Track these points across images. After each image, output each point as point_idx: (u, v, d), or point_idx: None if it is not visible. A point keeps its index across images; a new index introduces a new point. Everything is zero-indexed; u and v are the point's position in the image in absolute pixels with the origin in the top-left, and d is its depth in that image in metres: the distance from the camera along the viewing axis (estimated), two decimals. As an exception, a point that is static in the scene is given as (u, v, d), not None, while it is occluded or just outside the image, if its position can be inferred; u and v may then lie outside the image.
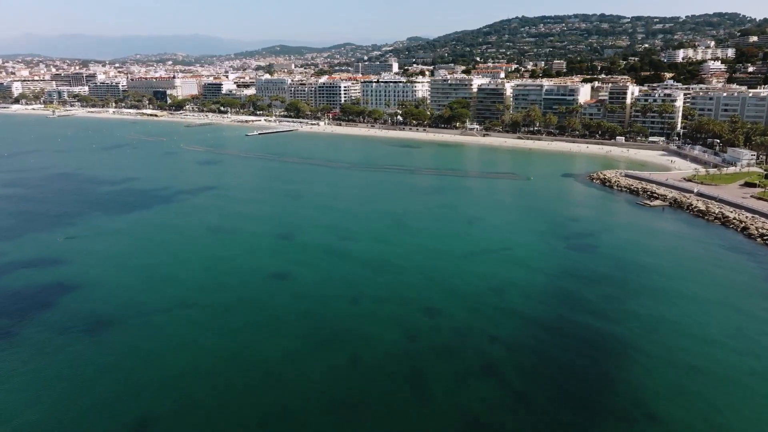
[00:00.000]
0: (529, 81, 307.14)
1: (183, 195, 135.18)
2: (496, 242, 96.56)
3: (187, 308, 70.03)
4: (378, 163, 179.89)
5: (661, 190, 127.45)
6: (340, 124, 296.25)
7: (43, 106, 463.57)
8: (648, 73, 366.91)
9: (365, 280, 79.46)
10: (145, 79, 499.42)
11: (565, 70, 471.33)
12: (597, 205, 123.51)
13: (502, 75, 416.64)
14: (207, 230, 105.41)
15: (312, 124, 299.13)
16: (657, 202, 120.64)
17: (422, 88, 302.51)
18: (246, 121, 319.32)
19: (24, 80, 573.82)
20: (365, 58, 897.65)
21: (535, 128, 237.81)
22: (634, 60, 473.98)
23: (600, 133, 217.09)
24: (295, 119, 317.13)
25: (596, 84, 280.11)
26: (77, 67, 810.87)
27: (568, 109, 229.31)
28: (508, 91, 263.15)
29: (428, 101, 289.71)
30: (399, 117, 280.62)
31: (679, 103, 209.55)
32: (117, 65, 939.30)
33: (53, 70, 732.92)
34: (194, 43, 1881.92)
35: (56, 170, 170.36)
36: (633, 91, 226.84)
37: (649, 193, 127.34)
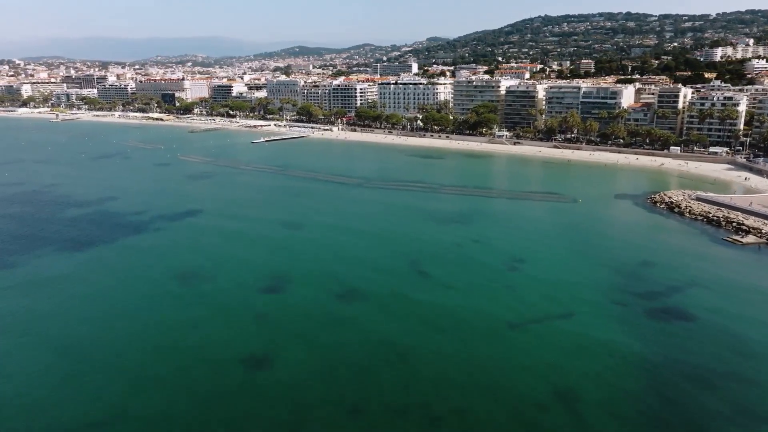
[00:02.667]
0: (564, 82, 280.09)
1: (157, 223, 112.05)
2: (551, 304, 71.32)
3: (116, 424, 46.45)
4: (395, 177, 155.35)
5: (750, 221, 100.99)
6: (355, 130, 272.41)
7: (49, 109, 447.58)
8: (685, 73, 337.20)
9: (368, 380, 55.01)
10: (154, 81, 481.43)
11: (593, 70, 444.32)
12: (671, 243, 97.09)
13: (527, 75, 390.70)
14: (171, 279, 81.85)
15: (324, 129, 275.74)
16: (750, 239, 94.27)
17: (444, 90, 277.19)
18: (254, 126, 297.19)
19: (34, 83, 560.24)
20: (384, 58, 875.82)
21: (573, 136, 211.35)
22: (668, 59, 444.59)
23: (648, 142, 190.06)
24: (306, 124, 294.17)
25: (637, 85, 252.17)
26: (96, 69, 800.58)
27: (610, 114, 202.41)
28: (540, 94, 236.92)
29: (451, 105, 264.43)
30: (419, 122, 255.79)
31: (742, 107, 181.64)
32: (136, 67, 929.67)
33: (72, 72, 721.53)
34: (215, 44, 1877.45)
35: (24, 187, 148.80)
36: (686, 93, 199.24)
37: (735, 224, 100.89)
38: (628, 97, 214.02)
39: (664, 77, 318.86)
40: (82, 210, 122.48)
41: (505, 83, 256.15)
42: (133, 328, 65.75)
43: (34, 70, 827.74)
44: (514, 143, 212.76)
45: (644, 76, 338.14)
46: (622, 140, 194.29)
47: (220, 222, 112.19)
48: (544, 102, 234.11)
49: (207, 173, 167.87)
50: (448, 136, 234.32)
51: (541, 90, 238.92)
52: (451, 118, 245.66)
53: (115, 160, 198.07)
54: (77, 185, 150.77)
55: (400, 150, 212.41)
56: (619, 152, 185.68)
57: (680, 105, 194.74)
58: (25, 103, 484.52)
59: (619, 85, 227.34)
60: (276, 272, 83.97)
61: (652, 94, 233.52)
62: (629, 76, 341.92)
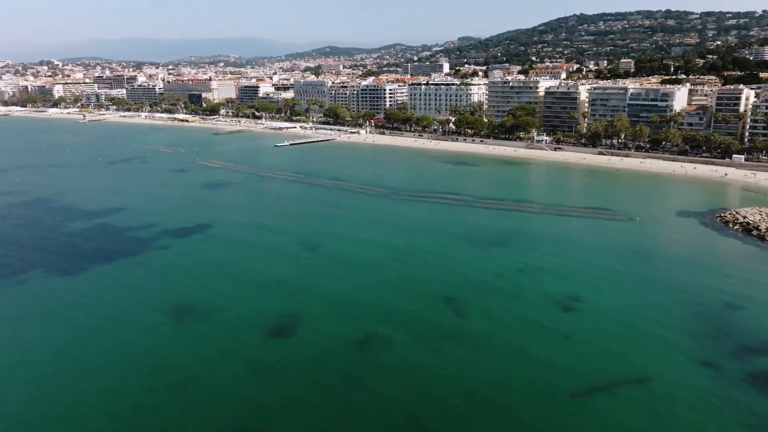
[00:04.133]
0: (609, 83, 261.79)
1: (162, 239, 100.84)
2: (621, 364, 57.01)
3: None
4: (426, 188, 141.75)
5: None
6: (384, 133, 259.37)
7: (78, 109, 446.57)
8: (734, 72, 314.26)
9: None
10: (181, 81, 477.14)
11: (633, 70, 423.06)
12: (759, 277, 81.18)
13: (563, 75, 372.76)
14: (163, 312, 70.14)
15: (351, 132, 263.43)
16: None
17: (478, 91, 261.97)
18: (279, 129, 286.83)
19: (65, 83, 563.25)
20: (415, 58, 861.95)
21: (620, 141, 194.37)
22: (713, 58, 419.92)
23: (706, 149, 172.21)
24: (333, 126, 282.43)
25: (688, 86, 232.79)
26: (131, 69, 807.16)
27: (663, 118, 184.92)
28: (583, 95, 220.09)
29: (485, 106, 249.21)
30: (451, 125, 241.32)
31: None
32: (170, 67, 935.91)
33: (107, 72, 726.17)
34: (247, 45, 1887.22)
35: (29, 196, 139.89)
36: (748, 95, 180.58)
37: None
38: (680, 99, 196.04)
39: (713, 77, 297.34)
40: (83, 224, 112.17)
41: (544, 84, 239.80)
42: (100, 388, 53.91)
43: (71, 70, 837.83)
44: (555, 149, 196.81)
45: (690, 76, 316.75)
46: (675, 147, 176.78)
47: (229, 240, 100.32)
48: (586, 104, 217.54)
49: (224, 181, 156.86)
50: (482, 141, 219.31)
51: (583, 91, 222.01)
52: (486, 121, 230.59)
53: (132, 164, 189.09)
54: (85, 194, 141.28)
55: (432, 155, 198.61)
56: (673, 160, 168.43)
57: (742, 108, 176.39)
58: (55, 104, 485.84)
59: (670, 86, 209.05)
60: (286, 308, 71.43)
61: (706, 95, 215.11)
62: (674, 76, 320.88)
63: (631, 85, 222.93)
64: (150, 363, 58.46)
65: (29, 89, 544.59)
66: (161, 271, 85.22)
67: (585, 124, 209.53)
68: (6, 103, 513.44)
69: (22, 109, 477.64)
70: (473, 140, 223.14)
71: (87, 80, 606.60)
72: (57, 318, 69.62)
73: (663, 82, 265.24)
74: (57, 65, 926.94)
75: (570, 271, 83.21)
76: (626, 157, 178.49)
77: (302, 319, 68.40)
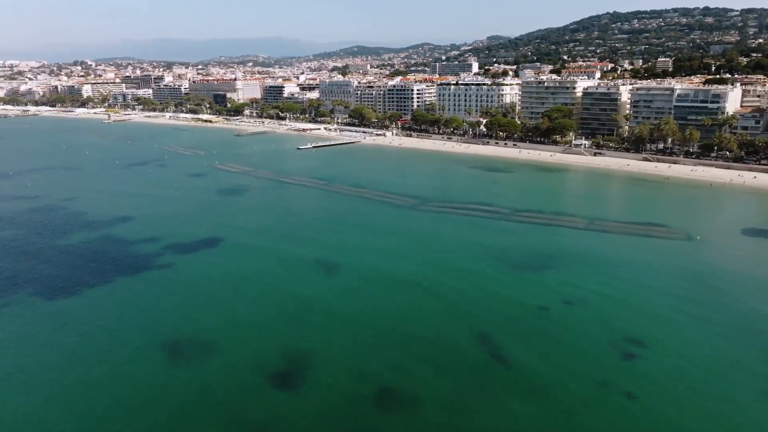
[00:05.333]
0: (653, 83, 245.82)
1: (166, 255, 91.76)
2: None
3: None
4: (455, 197, 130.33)
5: None
6: (411, 135, 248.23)
7: (104, 109, 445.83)
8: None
9: None
10: (206, 81, 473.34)
11: (671, 69, 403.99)
12: None
13: (598, 75, 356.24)
14: (148, 346, 60.73)
15: (377, 134, 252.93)
16: None
17: (511, 91, 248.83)
18: (303, 130, 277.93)
19: (94, 83, 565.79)
20: (443, 58, 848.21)
21: (666, 146, 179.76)
22: (758, 56, 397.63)
23: (765, 155, 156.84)
24: (358, 128, 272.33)
25: (739, 86, 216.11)
26: (161, 69, 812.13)
27: (715, 121, 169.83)
28: (624, 96, 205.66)
29: (518, 108, 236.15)
30: (482, 128, 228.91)
31: None
32: (199, 67, 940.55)
33: (138, 72, 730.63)
34: (276, 45, 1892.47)
35: (37, 201, 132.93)
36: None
37: None
38: (733, 100, 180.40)
39: (761, 76, 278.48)
40: (85, 235, 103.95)
41: (582, 84, 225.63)
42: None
43: (103, 70, 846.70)
44: (595, 154, 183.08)
45: (735, 76, 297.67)
46: (729, 153, 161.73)
47: (238, 257, 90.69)
48: (628, 106, 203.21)
49: (241, 187, 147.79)
50: (515, 144, 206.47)
51: (624, 92, 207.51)
52: (519, 123, 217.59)
53: (148, 168, 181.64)
54: (94, 200, 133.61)
55: (461, 160, 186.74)
56: (728, 168, 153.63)
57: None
58: (83, 104, 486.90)
59: (722, 86, 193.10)
60: (293, 346, 61.23)
61: (759, 96, 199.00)
62: (717, 76, 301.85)
63: (678, 85, 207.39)
64: (108, 411, 48.74)
65: (59, 89, 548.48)
66: (158, 294, 75.85)
67: (627, 128, 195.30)
68: (36, 103, 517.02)
69: (51, 108, 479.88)
70: (505, 144, 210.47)
71: (117, 80, 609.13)
72: (25, 348, 60.60)
73: (707, 81, 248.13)
74: (90, 65, 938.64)
75: (627, 304, 71.07)
76: (674, 163, 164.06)
77: (312, 361, 58.09)
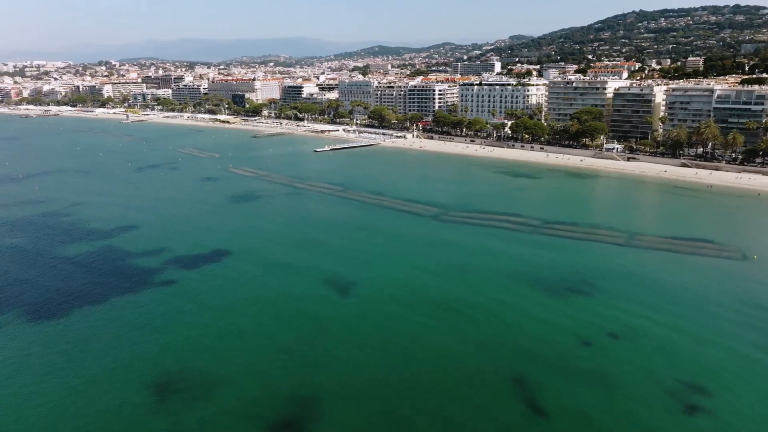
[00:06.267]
0: (690, 84, 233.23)
1: (167, 271, 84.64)
2: None
3: None
4: (480, 206, 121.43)
5: None
6: (432, 137, 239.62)
7: (124, 110, 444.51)
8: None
9: None
10: (225, 81, 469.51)
11: (702, 68, 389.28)
12: None
13: (625, 75, 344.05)
14: (134, 387, 53.13)
15: (397, 136, 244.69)
16: None
17: (537, 92, 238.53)
18: (321, 132, 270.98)
19: (114, 83, 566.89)
20: (464, 57, 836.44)
21: (705, 151, 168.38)
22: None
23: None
24: (377, 130, 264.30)
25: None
26: (183, 69, 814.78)
27: (760, 124, 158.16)
28: (659, 98, 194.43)
29: (545, 109, 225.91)
30: (507, 130, 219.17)
31: None
32: (221, 67, 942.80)
33: (161, 72, 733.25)
34: (298, 45, 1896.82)
35: (41, 207, 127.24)
36: None
37: None
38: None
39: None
40: (84, 246, 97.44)
41: (613, 84, 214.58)
42: None
43: (126, 70, 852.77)
44: (628, 159, 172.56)
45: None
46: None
47: (243, 275, 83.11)
48: (662, 107, 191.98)
49: (253, 193, 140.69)
50: (542, 148, 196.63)
51: (659, 92, 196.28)
52: (546, 125, 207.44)
53: (160, 171, 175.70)
54: (100, 207, 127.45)
55: (486, 164, 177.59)
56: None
57: None
58: (103, 104, 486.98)
59: (765, 87, 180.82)
60: (299, 387, 53.27)
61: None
62: (753, 75, 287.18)
63: (717, 85, 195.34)
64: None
65: (80, 89, 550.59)
66: (154, 320, 68.52)
67: (661, 131, 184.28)
68: (58, 103, 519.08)
69: (72, 108, 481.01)
70: (532, 147, 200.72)
71: (138, 80, 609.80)
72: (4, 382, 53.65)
73: (743, 81, 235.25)
74: (114, 65, 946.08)
75: (684, 338, 61.81)
76: (716, 170, 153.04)
77: (325, 405, 50.03)
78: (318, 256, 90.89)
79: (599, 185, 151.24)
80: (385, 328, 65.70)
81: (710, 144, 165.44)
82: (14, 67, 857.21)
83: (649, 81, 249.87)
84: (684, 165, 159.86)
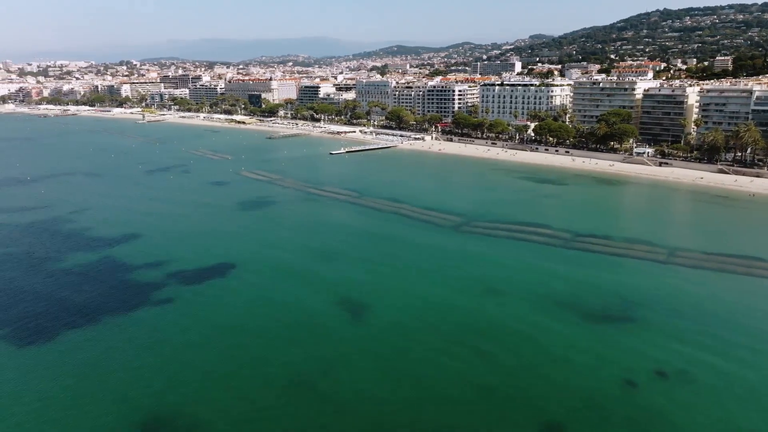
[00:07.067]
0: (725, 84, 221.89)
1: (167, 287, 78.24)
2: None
3: None
4: (503, 216, 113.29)
5: None
6: (451, 140, 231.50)
7: (140, 109, 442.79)
8: None
9: None
10: (242, 81, 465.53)
11: (730, 68, 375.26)
12: None
13: (650, 75, 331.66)
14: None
15: (416, 138, 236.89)
16: None
17: (561, 92, 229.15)
18: (338, 133, 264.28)
19: (132, 83, 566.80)
20: (484, 57, 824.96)
21: (744, 156, 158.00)
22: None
23: None
24: (395, 131, 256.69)
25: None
26: (203, 69, 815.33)
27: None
28: (692, 99, 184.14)
29: (570, 111, 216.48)
30: (530, 132, 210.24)
31: None
32: (240, 67, 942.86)
33: (180, 71, 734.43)
34: (317, 45, 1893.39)
35: (44, 213, 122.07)
36: None
37: None
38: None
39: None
40: (83, 257, 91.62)
41: (642, 85, 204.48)
42: None
43: (147, 70, 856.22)
44: (660, 164, 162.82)
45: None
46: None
47: (247, 294, 76.36)
48: (695, 109, 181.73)
49: (264, 199, 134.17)
50: (568, 152, 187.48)
51: (692, 94, 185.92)
52: (571, 127, 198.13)
53: (170, 174, 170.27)
54: (105, 213, 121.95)
55: (508, 169, 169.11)
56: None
57: None
58: (121, 104, 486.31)
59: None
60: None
61: None
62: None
63: (757, 86, 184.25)
64: None
65: (99, 89, 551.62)
66: (147, 346, 61.98)
67: (695, 134, 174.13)
68: (77, 103, 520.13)
69: (90, 108, 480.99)
70: (557, 150, 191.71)
71: (156, 80, 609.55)
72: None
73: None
74: (135, 65, 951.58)
75: (749, 383, 53.35)
76: (756, 176, 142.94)
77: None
78: (329, 273, 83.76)
79: (631, 193, 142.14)
80: (397, 363, 58.31)
81: (749, 148, 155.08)
82: (38, 67, 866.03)
83: (678, 81, 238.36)
84: (721, 171, 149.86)
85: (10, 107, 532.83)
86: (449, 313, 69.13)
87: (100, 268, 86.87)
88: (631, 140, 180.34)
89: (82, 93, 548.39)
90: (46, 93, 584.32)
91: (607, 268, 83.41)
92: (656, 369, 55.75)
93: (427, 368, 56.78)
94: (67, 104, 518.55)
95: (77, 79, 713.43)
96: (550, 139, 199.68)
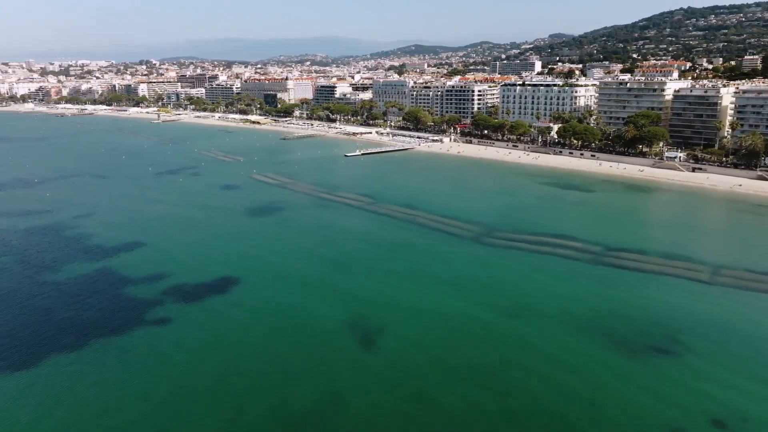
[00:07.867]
0: (761, 85, 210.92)
1: (165, 305, 72.30)
2: None
3: None
4: (527, 225, 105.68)
5: None
6: (470, 141, 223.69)
7: (156, 109, 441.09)
8: None
9: None
10: (258, 80, 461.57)
11: (760, 68, 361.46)
12: None
13: (675, 75, 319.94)
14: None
15: (434, 140, 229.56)
16: None
17: (585, 93, 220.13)
18: (353, 134, 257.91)
19: (149, 82, 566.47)
20: (503, 56, 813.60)
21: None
22: None
23: None
24: (412, 133, 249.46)
25: None
26: (221, 69, 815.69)
27: None
28: (726, 100, 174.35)
29: (595, 112, 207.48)
30: (553, 135, 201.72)
31: None
32: (258, 66, 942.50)
33: (198, 70, 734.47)
34: (334, 44, 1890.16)
35: (45, 218, 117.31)
36: None
37: None
38: None
39: None
40: (79, 268, 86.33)
41: (672, 85, 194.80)
42: None
43: (165, 69, 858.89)
44: (693, 169, 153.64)
45: None
46: None
47: (250, 312, 70.14)
48: (730, 111, 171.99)
49: (274, 205, 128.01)
50: (593, 155, 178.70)
51: (726, 95, 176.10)
52: (597, 129, 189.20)
53: (179, 177, 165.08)
54: (108, 218, 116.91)
55: (531, 173, 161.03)
56: None
57: None
58: (137, 103, 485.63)
59: None
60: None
61: None
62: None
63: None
64: None
65: (116, 88, 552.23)
66: (138, 374, 55.88)
67: (729, 138, 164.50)
68: (95, 102, 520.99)
69: (107, 108, 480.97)
70: (581, 154, 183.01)
71: (173, 79, 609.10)
72: None
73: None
74: (154, 64, 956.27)
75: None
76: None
77: None
78: (337, 287, 77.16)
79: (664, 200, 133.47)
80: (409, 400, 51.38)
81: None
82: (60, 66, 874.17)
83: (708, 81, 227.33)
84: (761, 178, 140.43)
85: (29, 106, 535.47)
86: (470, 340, 62.08)
87: (95, 282, 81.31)
88: (661, 144, 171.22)
89: (100, 92, 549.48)
90: (65, 92, 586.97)
91: (643, 289, 75.56)
92: (710, 416, 48.23)
93: (453, 403, 49.78)
94: (85, 103, 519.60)
95: (97, 78, 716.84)
96: (575, 141, 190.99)
